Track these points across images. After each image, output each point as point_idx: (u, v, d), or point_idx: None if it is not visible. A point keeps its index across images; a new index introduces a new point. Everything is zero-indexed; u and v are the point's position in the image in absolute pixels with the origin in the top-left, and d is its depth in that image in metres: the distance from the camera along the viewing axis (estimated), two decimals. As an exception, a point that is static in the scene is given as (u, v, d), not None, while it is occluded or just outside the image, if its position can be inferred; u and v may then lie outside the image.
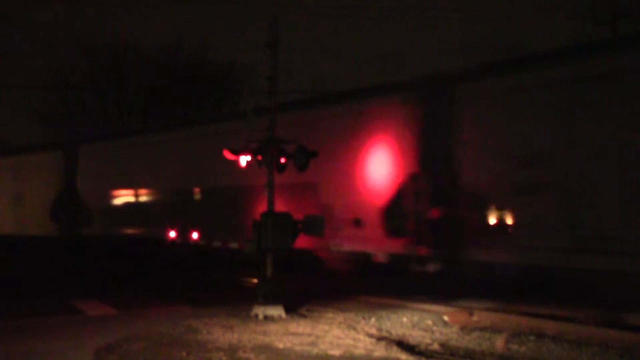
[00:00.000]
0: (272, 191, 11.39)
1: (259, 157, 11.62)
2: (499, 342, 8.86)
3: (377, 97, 15.13)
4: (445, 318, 10.73)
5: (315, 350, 8.23)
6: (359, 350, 8.25)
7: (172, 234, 19.55)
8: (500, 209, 12.22)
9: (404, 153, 13.86)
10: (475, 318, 10.62)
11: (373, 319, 10.67)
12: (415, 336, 9.47)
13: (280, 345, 8.50)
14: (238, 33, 49.97)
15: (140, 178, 22.58)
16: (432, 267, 13.41)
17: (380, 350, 8.31)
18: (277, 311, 10.74)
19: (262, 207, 11.47)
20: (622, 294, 10.46)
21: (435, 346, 8.78)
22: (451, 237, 13.01)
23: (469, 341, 9.19)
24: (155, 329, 9.54)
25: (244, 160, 11.68)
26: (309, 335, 9.20)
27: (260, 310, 10.72)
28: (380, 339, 9.07)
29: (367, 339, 8.97)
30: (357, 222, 14.49)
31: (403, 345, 8.79)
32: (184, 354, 7.99)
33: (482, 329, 9.91)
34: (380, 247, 13.97)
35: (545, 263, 11.44)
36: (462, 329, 10.02)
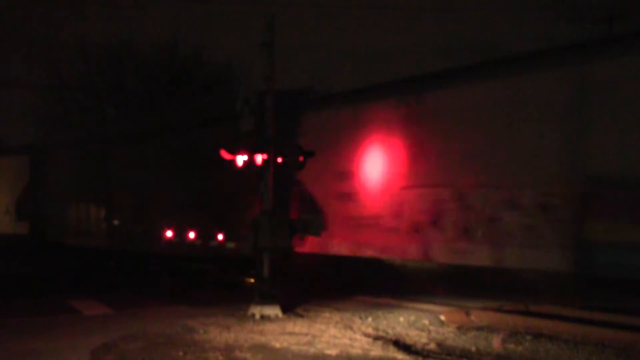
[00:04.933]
0: (269, 190, 11.39)
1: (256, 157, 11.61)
2: (496, 342, 8.86)
3: None
4: (442, 317, 10.74)
5: (312, 350, 8.23)
6: (356, 350, 8.25)
7: (169, 233, 19.50)
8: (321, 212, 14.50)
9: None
10: (472, 317, 10.64)
11: (370, 319, 10.68)
12: (412, 335, 9.47)
13: (277, 345, 8.50)
14: (235, 32, 49.94)
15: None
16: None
17: (376, 349, 8.31)
18: (273, 311, 10.74)
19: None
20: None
21: (432, 346, 8.79)
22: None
23: (466, 341, 9.19)
24: (152, 329, 9.54)
25: (240, 160, 11.67)
26: (306, 334, 9.20)
27: (257, 310, 10.72)
28: (376, 338, 9.07)
29: (364, 339, 8.97)
30: None
31: (399, 344, 8.80)
32: (180, 353, 7.98)
33: (479, 329, 9.92)
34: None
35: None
36: (459, 328, 10.03)
